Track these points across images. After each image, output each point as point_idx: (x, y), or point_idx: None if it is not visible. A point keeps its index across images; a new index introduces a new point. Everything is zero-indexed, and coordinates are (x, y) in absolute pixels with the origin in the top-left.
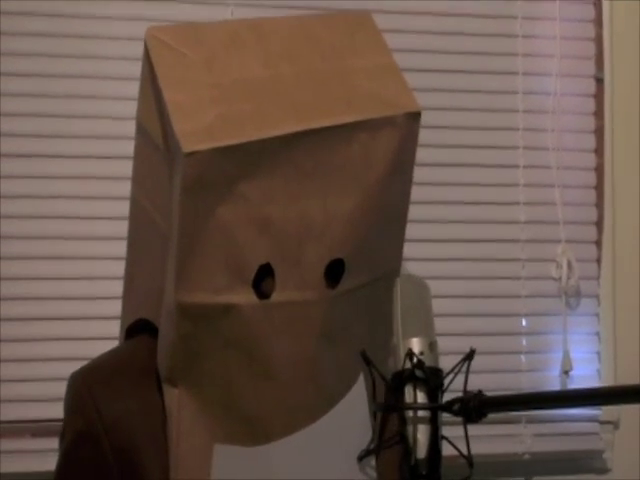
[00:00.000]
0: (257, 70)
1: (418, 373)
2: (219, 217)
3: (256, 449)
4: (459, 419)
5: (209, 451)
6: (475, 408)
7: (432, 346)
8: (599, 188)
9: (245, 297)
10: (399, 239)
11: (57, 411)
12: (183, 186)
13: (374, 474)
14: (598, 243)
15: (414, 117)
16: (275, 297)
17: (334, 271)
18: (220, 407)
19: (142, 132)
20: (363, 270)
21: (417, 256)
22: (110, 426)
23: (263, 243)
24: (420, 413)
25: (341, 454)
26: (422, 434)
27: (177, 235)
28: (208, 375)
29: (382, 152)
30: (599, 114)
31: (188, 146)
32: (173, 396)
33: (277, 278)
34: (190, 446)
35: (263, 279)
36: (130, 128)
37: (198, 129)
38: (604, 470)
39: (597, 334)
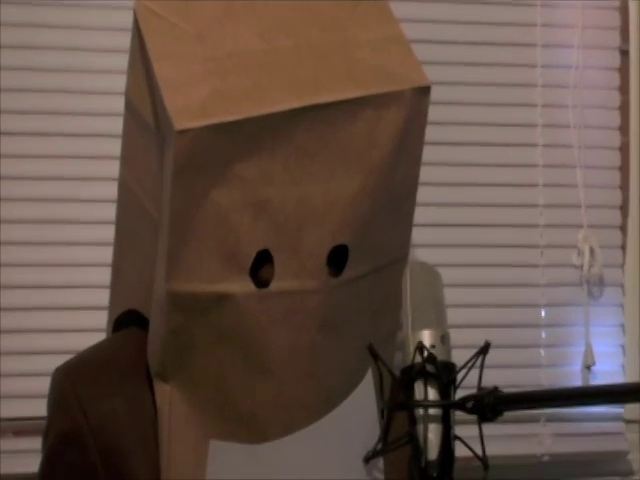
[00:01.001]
0: (253, 43)
1: (429, 368)
2: (213, 200)
3: (257, 449)
4: (473, 418)
5: (203, 451)
6: (490, 406)
7: (444, 339)
8: (624, 169)
9: (241, 286)
10: (407, 224)
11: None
12: (175, 166)
13: (382, 477)
14: (623, 228)
15: (423, 92)
16: (273, 286)
17: (337, 258)
18: (214, 404)
19: (131, 110)
20: (368, 257)
21: (427, 242)
22: (97, 427)
23: (261, 228)
24: (431, 411)
25: (347, 455)
26: (433, 434)
27: (168, 220)
28: (201, 370)
29: (388, 130)
30: (624, 89)
31: (180, 123)
32: (164, 393)
33: (276, 265)
34: (182, 446)
35: (261, 267)
36: (118, 104)
37: (191, 105)
38: (629, 472)
39: (621, 326)
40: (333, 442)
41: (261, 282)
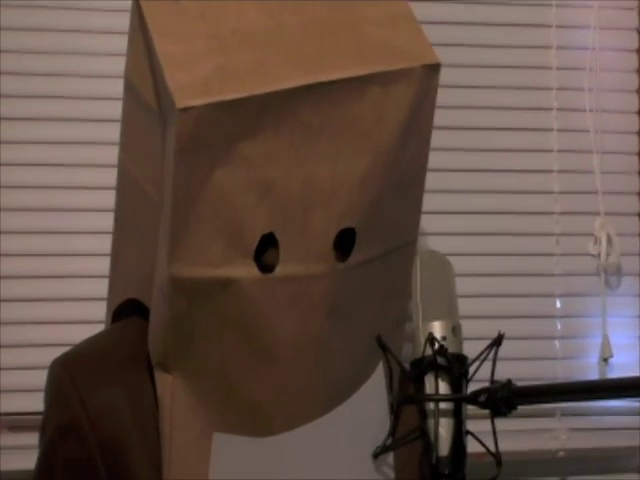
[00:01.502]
0: (258, 20)
1: (440, 360)
2: (217, 181)
3: (262, 442)
4: (486, 412)
5: (206, 444)
6: (504, 400)
7: (455, 330)
8: None
9: (246, 270)
10: (416, 207)
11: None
12: (177, 146)
13: (391, 473)
14: None
15: (432, 70)
16: (279, 270)
17: (344, 242)
18: (217, 394)
19: (131, 91)
20: (376, 241)
21: (438, 230)
22: (95, 419)
23: (265, 210)
24: (442, 405)
25: (356, 450)
26: (444, 429)
27: (170, 202)
28: (204, 358)
29: (396, 109)
30: None
31: (182, 101)
32: (166, 383)
33: (281, 249)
34: (185, 439)
35: (266, 250)
36: (118, 87)
37: (194, 82)
38: None
39: None
40: (342, 436)
41: (266, 267)
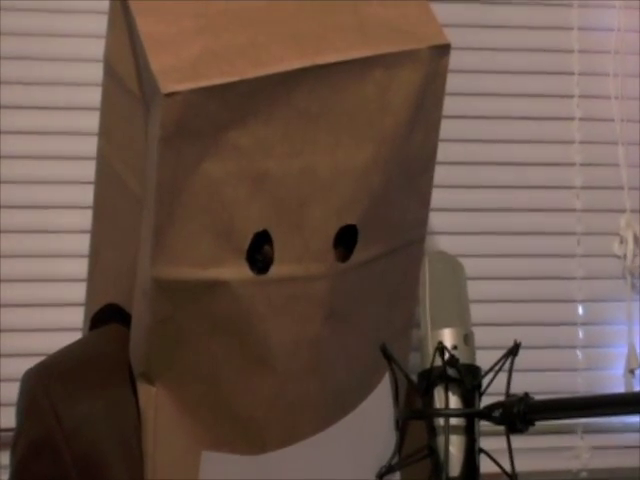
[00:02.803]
0: None
1: (450, 372)
2: (205, 172)
3: (255, 462)
4: (501, 428)
5: (193, 461)
6: (520, 415)
7: (467, 339)
8: None
9: (237, 271)
10: (423, 200)
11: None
12: (161, 134)
13: None
14: None
15: (441, 51)
16: (273, 271)
17: (345, 240)
18: (206, 406)
19: (111, 75)
20: (379, 238)
21: (448, 229)
22: (71, 433)
23: (259, 205)
24: (453, 421)
25: (357, 470)
26: (455, 447)
27: (154, 196)
28: (192, 367)
29: (402, 93)
30: None
31: (167, 85)
32: (149, 395)
33: (275, 248)
34: (170, 456)
35: (259, 249)
36: (96, 71)
37: (179, 65)
38: None
39: None
40: (342, 454)
41: (259, 267)
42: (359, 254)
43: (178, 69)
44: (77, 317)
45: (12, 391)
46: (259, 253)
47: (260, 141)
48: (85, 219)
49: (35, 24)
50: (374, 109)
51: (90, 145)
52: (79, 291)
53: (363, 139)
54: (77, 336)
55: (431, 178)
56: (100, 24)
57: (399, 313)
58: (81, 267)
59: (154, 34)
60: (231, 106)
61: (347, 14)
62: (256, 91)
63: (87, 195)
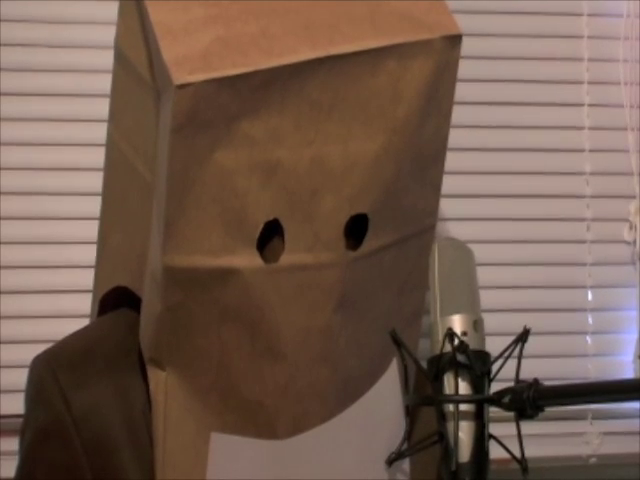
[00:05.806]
0: None
1: (460, 358)
2: (217, 162)
3: (266, 448)
4: (510, 415)
5: (203, 446)
6: (530, 401)
7: (477, 325)
8: None
9: (248, 260)
10: (434, 189)
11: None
12: (173, 125)
13: None
14: None
15: (453, 41)
16: (284, 260)
17: (356, 229)
18: (216, 393)
19: (122, 61)
20: (390, 227)
21: (458, 215)
22: (81, 418)
23: (270, 194)
24: (462, 407)
25: (368, 456)
26: (465, 433)
27: (166, 185)
28: (202, 354)
29: (414, 83)
30: None
31: (180, 76)
32: (159, 380)
33: (286, 237)
34: (180, 440)
35: (270, 238)
36: (107, 58)
37: (192, 55)
38: None
39: None
40: (352, 441)
41: (270, 256)
42: (370, 243)
43: (190, 59)
44: (80, 304)
45: (11, 378)
46: (270, 242)
47: (272, 131)
48: (92, 206)
49: (48, 12)
50: (386, 99)
51: (98, 132)
52: (84, 277)
53: (375, 129)
54: (82, 323)
55: (442, 167)
56: (109, 11)
57: (409, 301)
58: (86, 253)
59: (166, 22)
60: (243, 97)
61: (359, 4)
62: (269, 82)
63: (93, 181)
